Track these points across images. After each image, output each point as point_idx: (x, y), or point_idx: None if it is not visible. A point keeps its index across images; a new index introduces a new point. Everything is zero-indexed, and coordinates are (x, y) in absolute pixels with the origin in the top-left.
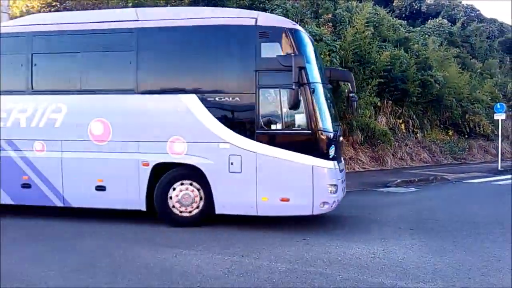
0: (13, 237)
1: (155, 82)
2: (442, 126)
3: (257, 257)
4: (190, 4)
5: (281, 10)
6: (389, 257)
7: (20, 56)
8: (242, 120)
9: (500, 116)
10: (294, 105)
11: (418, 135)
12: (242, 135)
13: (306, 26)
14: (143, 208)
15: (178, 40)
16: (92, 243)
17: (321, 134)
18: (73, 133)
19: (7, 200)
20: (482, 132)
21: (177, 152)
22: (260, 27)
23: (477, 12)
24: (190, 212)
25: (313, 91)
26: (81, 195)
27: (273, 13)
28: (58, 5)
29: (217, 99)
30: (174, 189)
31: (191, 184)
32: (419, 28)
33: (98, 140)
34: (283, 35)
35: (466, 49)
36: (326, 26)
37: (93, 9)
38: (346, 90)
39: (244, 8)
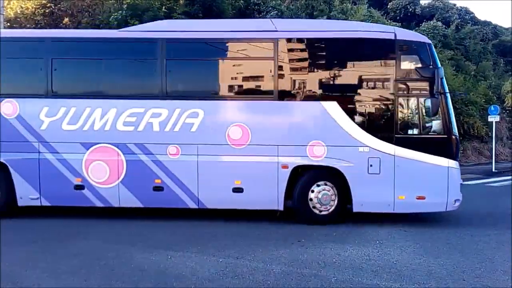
0: (5, 239)
1: (296, 89)
2: None
3: (252, 259)
4: (185, 6)
5: (276, 12)
6: (384, 258)
7: (152, 61)
8: (381, 126)
9: (494, 118)
10: (435, 112)
11: None
12: (381, 139)
13: None
14: (281, 208)
15: (319, 51)
16: (85, 244)
17: (454, 138)
18: (210, 137)
19: (136, 203)
20: (476, 134)
21: (317, 155)
22: (400, 41)
23: (471, 15)
24: (327, 210)
25: (447, 100)
26: (218, 197)
27: (268, 15)
28: (53, 7)
29: (357, 106)
30: (313, 191)
31: (325, 185)
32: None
33: (237, 144)
34: (421, 48)
35: (460, 52)
36: None
37: (88, 10)
38: None
39: (239, 10)
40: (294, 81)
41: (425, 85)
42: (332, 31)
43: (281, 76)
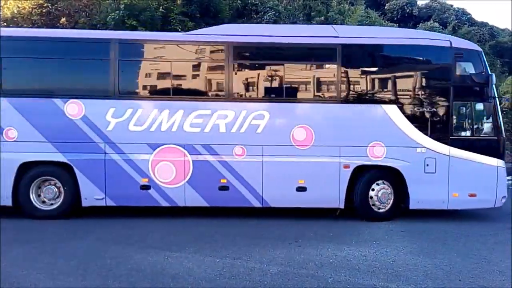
0: (4, 239)
1: (358, 93)
2: None
3: (249, 259)
4: (182, 6)
5: (274, 12)
6: (380, 259)
7: (220, 64)
8: (437, 128)
9: None
10: (488, 116)
11: None
12: (437, 140)
13: None
14: (342, 206)
15: (380, 56)
16: (82, 245)
17: (502, 139)
18: (275, 139)
19: (202, 203)
20: None
21: (377, 156)
22: (456, 49)
23: (468, 16)
24: (385, 208)
25: (496, 104)
26: (282, 195)
27: (266, 16)
28: (50, 6)
29: (415, 109)
30: (373, 189)
31: (383, 183)
32: None
33: (301, 145)
34: (474, 55)
35: None
36: None
37: (85, 10)
38: None
39: (237, 10)
40: (356, 85)
41: (479, 90)
42: (391, 38)
43: (343, 80)
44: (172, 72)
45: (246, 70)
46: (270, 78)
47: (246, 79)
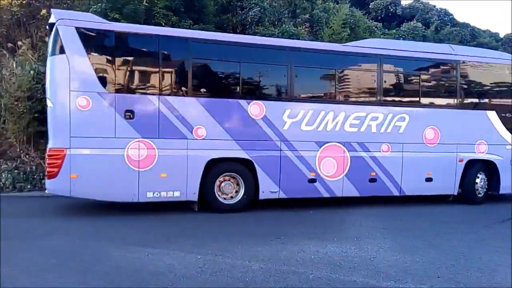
0: None
1: (470, 101)
2: None
3: (231, 256)
4: (166, 0)
5: (259, 9)
6: (362, 255)
7: (373, 74)
8: None
9: None
10: None
11: None
12: None
13: (284, 26)
14: (455, 193)
15: (485, 72)
16: (61, 241)
17: None
18: (412, 137)
19: (355, 193)
20: None
21: (481, 151)
22: None
23: (451, 16)
24: (480, 194)
25: None
26: (414, 185)
27: (251, 12)
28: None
29: (507, 115)
30: (478, 177)
31: (482, 174)
32: (394, 31)
33: (430, 142)
34: None
35: None
36: (303, 26)
37: (66, 1)
38: None
39: (222, 6)
40: (469, 94)
41: None
42: (497, 58)
43: (460, 91)
44: (337, 78)
45: (392, 79)
46: (411, 86)
47: (393, 86)
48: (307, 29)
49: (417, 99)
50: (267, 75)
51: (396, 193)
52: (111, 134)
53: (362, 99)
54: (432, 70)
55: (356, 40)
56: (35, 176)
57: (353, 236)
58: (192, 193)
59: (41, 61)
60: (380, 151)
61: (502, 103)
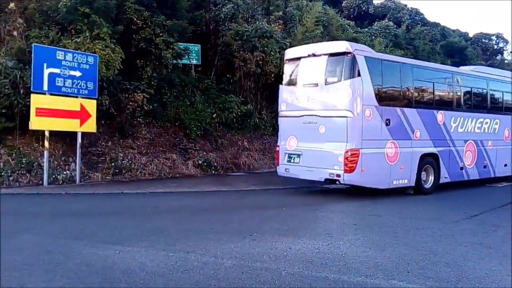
0: None
1: None
2: None
3: (203, 253)
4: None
5: (232, 5)
6: (333, 252)
7: (485, 91)
8: None
9: None
10: None
11: None
12: None
13: (257, 22)
14: None
15: None
16: (29, 239)
17: None
18: (499, 135)
19: (477, 176)
20: None
21: None
22: None
23: (421, 16)
24: None
25: None
26: (499, 169)
27: (224, 8)
28: None
29: None
30: None
31: None
32: (366, 29)
33: (506, 138)
34: None
35: (410, 51)
36: (277, 24)
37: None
38: None
39: (195, 2)
40: None
41: None
42: None
43: None
44: (472, 94)
45: (494, 95)
46: (502, 100)
47: (495, 100)
48: (280, 26)
49: (503, 108)
50: (446, 91)
51: (492, 175)
52: (378, 137)
53: (483, 108)
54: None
55: (329, 39)
56: (2, 173)
57: (325, 232)
58: (412, 180)
59: (9, 55)
60: (488, 146)
61: None
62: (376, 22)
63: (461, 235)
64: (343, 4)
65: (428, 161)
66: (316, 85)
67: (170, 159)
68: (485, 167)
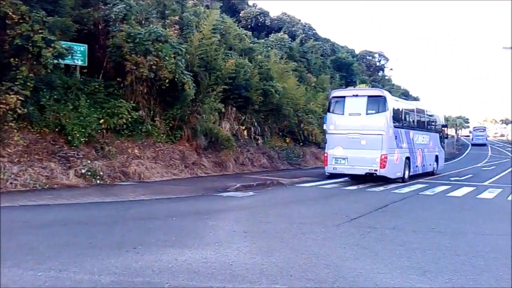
0: None
1: None
2: (280, 133)
3: (78, 270)
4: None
5: (124, 6)
6: (221, 260)
7: None
8: None
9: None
10: None
11: (259, 141)
12: None
13: (151, 26)
14: None
15: None
16: None
17: None
18: None
19: None
20: (314, 140)
21: None
22: None
23: (314, 31)
24: None
25: None
26: None
27: (115, 8)
28: None
29: None
30: None
31: None
32: (263, 40)
33: None
34: None
35: (303, 64)
36: (173, 28)
37: None
38: (191, 94)
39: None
40: None
41: None
42: None
43: None
44: None
45: None
46: None
47: None
48: (176, 31)
49: (428, 128)
50: (415, 119)
51: (427, 171)
52: (393, 146)
53: (424, 128)
54: None
55: (226, 47)
56: None
57: (214, 241)
58: (402, 173)
59: None
60: (425, 152)
61: None
62: (272, 34)
63: (341, 237)
64: (241, 14)
65: (407, 161)
66: (359, 114)
67: (47, 168)
68: (423, 165)
